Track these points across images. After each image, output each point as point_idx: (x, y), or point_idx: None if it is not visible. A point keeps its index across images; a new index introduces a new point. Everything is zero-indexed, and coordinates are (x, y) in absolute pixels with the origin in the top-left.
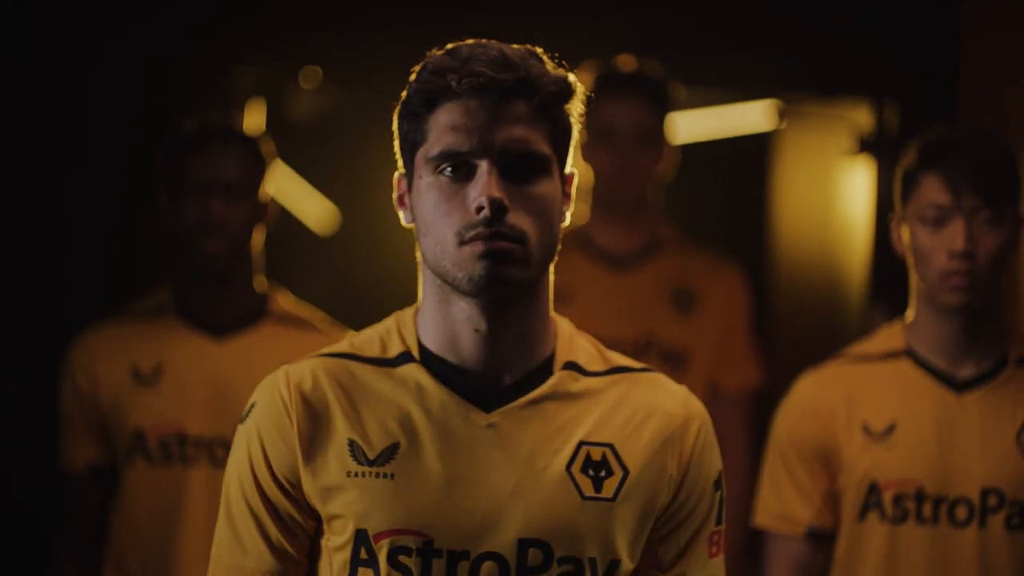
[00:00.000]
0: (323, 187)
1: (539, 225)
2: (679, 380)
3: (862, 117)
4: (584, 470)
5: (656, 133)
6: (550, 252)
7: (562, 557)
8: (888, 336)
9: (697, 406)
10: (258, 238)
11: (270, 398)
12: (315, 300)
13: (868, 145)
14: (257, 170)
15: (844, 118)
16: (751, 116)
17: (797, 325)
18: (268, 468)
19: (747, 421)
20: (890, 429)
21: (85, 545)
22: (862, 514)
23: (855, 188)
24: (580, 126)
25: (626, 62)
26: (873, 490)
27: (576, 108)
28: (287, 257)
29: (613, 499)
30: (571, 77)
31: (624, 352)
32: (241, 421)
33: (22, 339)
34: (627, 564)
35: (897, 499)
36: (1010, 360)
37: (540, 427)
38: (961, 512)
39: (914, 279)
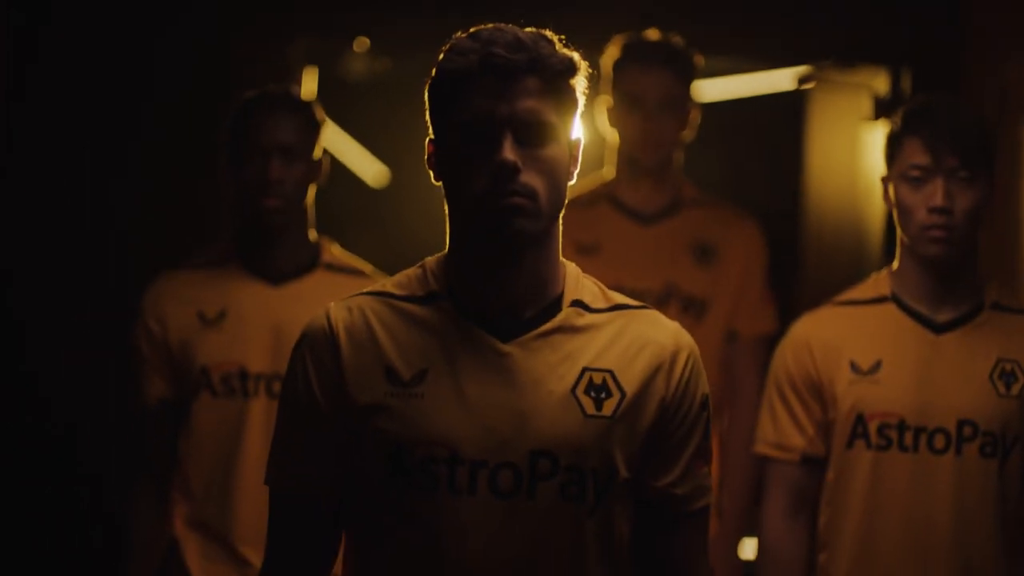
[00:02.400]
0: (376, 146)
1: (548, 183)
2: (698, 327)
3: (881, 84)
4: (587, 392)
5: (679, 100)
6: (558, 206)
7: (567, 466)
8: (875, 283)
9: (686, 338)
10: (311, 195)
11: (318, 331)
12: (370, 248)
13: (885, 110)
14: (311, 133)
15: (867, 85)
16: (779, 83)
17: (823, 277)
18: (315, 391)
19: (761, 364)
20: (876, 366)
21: (157, 471)
22: (850, 443)
23: (879, 151)
24: (584, 98)
25: (652, 34)
26: (860, 421)
27: (580, 83)
28: (344, 209)
29: (612, 417)
30: (575, 56)
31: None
32: (293, 351)
33: (101, 290)
34: (623, 473)
35: (881, 429)
36: (985, 305)
37: (549, 355)
38: (939, 441)
39: (899, 232)
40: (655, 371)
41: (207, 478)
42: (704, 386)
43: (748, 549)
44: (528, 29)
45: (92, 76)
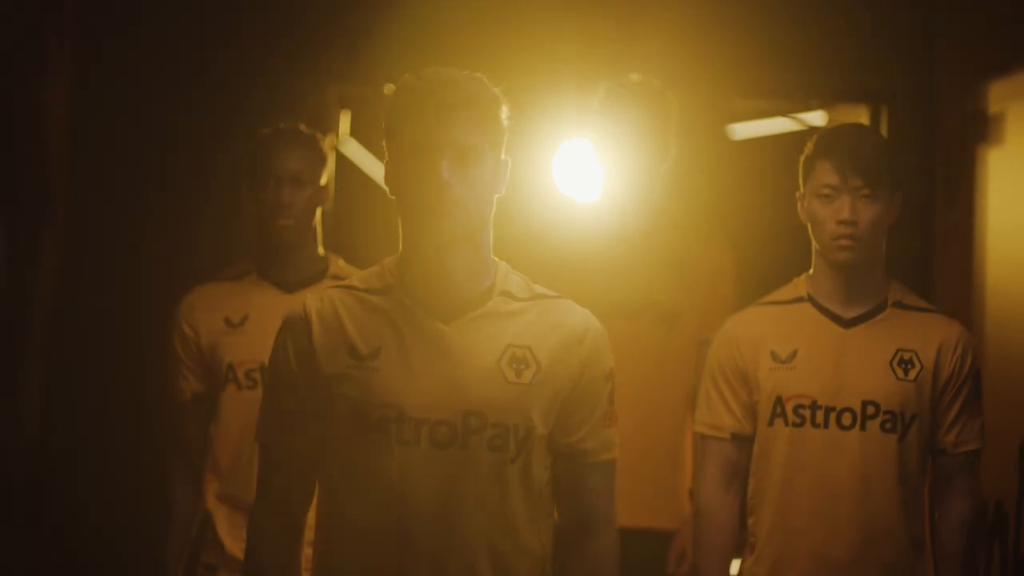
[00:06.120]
0: None
1: (477, 195)
2: (671, 336)
3: (863, 121)
4: (509, 364)
5: (663, 136)
6: (486, 213)
7: (493, 423)
8: (794, 286)
9: (594, 322)
10: (318, 215)
11: (296, 316)
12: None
13: None
14: (317, 163)
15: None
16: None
17: None
18: (293, 364)
19: None
20: (792, 356)
21: (191, 456)
22: (770, 421)
23: None
24: (508, 125)
25: (633, 77)
26: (779, 402)
27: (504, 115)
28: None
29: (529, 384)
30: (499, 93)
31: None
32: (277, 333)
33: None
34: (540, 430)
35: (797, 409)
36: (888, 304)
37: (480, 334)
38: (846, 419)
39: (813, 243)
40: (566, 347)
41: (233, 458)
42: (608, 361)
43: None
44: (464, 72)
45: (155, 120)
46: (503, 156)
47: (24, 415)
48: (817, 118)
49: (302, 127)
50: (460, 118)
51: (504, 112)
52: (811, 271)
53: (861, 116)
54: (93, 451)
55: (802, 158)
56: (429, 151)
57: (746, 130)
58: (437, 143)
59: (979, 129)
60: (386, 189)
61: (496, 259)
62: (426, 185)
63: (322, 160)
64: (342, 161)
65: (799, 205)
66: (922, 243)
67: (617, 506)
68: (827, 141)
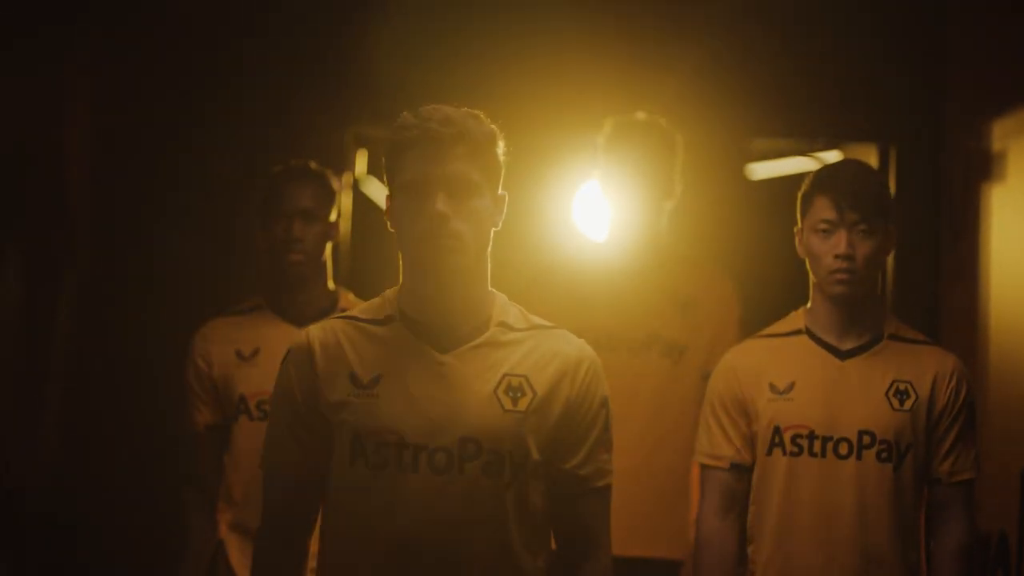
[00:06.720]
0: None
1: (474, 228)
2: (676, 369)
3: (872, 160)
4: (506, 392)
5: (668, 173)
6: (483, 246)
7: (489, 450)
8: (793, 319)
9: (588, 351)
10: (328, 250)
11: (300, 346)
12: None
13: None
14: (327, 199)
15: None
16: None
17: None
18: (298, 392)
19: None
20: (790, 387)
21: (206, 486)
22: (769, 450)
23: None
24: (504, 160)
25: (639, 115)
26: (777, 432)
27: (501, 150)
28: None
29: (525, 412)
30: (495, 129)
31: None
32: (281, 363)
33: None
34: (535, 456)
35: (794, 439)
36: (884, 336)
37: (478, 364)
38: (843, 448)
39: (811, 276)
40: (562, 376)
41: (246, 488)
42: (603, 389)
43: None
44: (463, 109)
45: (175, 158)
46: (500, 190)
47: (44, 442)
48: (835, 157)
49: (312, 164)
50: (456, 153)
51: (500, 147)
52: (809, 304)
53: (870, 155)
54: (111, 480)
55: (800, 194)
56: (426, 185)
57: (764, 170)
58: (434, 177)
59: (983, 166)
60: (387, 223)
61: (494, 290)
62: (423, 218)
63: (332, 196)
64: (361, 199)
65: (797, 240)
66: (929, 280)
67: (624, 536)
68: (824, 177)
